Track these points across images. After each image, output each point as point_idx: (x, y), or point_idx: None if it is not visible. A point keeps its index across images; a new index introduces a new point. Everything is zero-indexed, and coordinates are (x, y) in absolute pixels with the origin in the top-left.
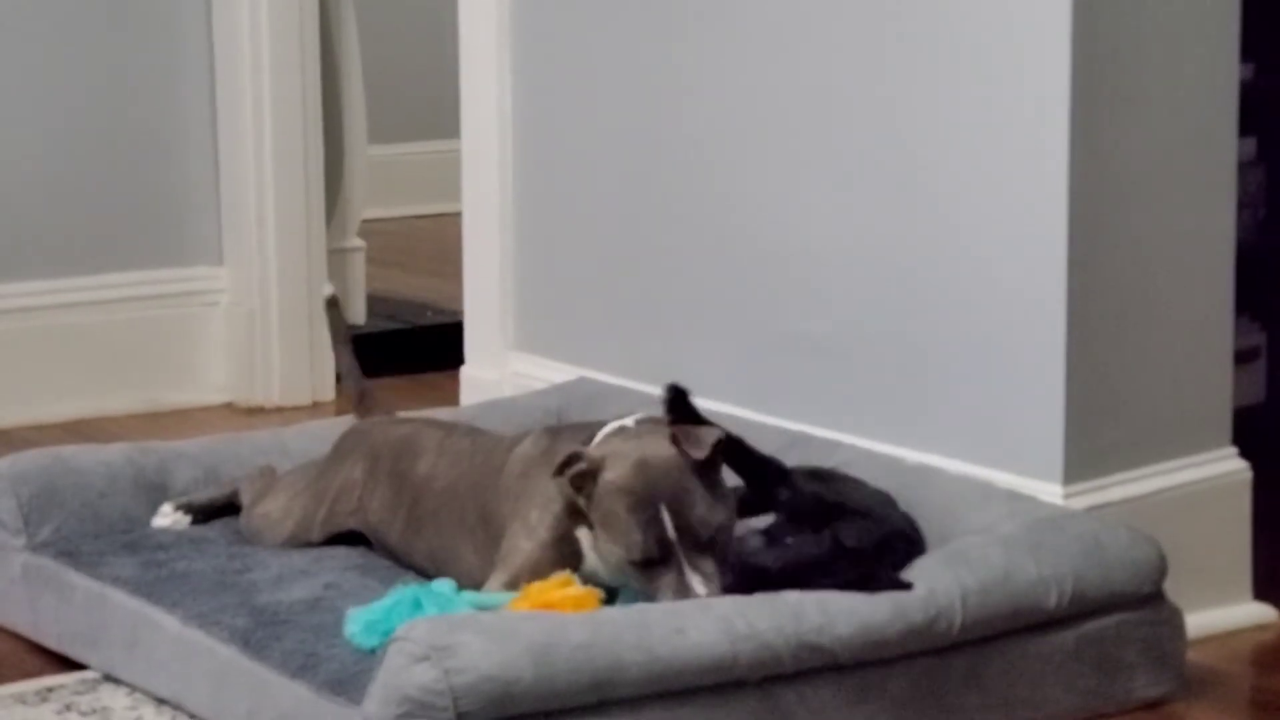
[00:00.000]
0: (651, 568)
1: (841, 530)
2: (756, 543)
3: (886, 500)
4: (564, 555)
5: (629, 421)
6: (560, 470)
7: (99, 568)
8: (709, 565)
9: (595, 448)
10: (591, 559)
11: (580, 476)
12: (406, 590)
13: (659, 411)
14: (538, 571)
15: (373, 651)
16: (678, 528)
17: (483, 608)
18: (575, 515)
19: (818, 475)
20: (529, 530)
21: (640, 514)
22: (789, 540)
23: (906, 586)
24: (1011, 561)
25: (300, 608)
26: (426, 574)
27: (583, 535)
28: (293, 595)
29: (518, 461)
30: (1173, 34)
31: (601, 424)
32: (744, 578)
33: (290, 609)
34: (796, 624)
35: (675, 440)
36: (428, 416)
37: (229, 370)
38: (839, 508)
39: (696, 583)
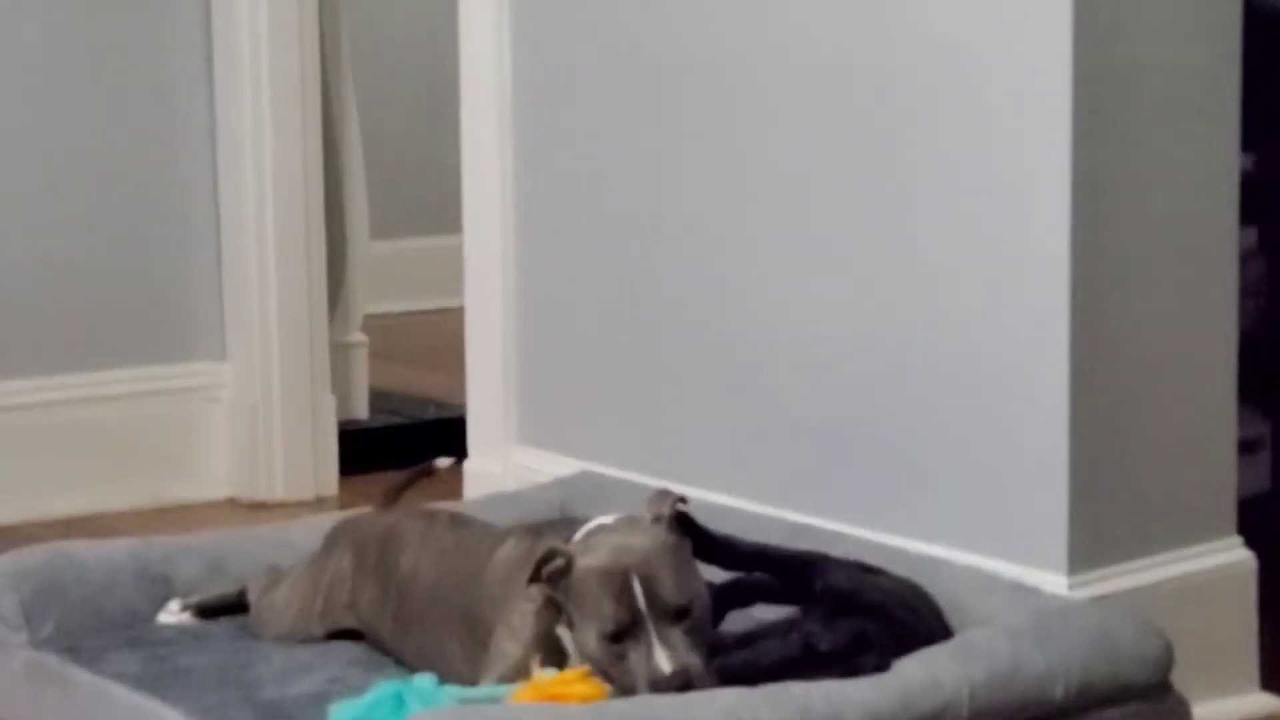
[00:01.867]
0: (622, 643)
1: (814, 633)
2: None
3: (916, 596)
4: (548, 654)
5: (609, 519)
6: (537, 570)
7: (101, 663)
8: (679, 640)
9: (572, 544)
10: (576, 659)
11: (557, 573)
12: (389, 686)
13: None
14: (523, 672)
15: None
16: (648, 597)
17: (467, 702)
18: (557, 612)
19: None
20: (512, 632)
21: (611, 586)
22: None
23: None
24: (1019, 653)
25: (305, 702)
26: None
27: (564, 634)
28: (297, 690)
29: (500, 564)
30: (1174, 123)
31: (583, 522)
32: (720, 678)
33: (295, 704)
34: (803, 716)
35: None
36: (412, 506)
37: (231, 465)
38: (868, 606)
39: (662, 658)
